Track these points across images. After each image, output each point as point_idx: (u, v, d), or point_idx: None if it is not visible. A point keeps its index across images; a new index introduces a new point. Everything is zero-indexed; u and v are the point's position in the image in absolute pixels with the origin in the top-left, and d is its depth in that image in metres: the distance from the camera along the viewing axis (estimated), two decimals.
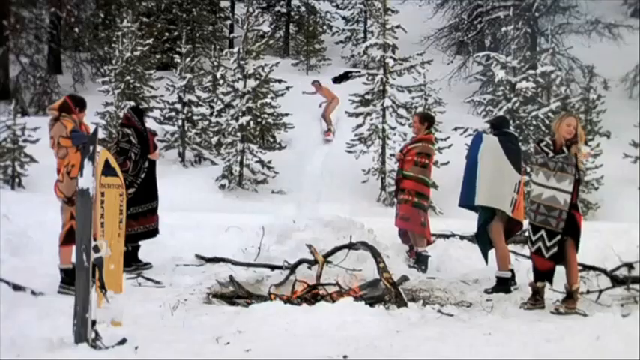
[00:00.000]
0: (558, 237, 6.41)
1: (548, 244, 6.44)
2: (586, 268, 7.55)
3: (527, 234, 6.89)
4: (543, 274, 6.54)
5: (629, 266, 7.47)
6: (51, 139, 6.85)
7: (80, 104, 7.07)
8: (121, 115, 19.06)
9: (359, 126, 20.08)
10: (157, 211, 8.42)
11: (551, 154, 6.52)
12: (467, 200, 7.70)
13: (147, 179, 8.28)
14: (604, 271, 7.37)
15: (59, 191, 6.74)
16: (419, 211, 8.85)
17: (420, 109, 20.30)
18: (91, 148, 4.74)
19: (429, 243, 8.97)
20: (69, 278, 6.39)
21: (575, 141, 6.53)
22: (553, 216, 6.39)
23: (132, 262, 7.84)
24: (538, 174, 6.55)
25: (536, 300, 6.54)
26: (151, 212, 8.30)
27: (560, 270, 6.58)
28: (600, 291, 6.89)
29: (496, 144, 7.63)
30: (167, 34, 26.48)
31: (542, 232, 6.44)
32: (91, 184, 4.57)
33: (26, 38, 25.16)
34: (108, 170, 5.12)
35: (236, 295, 6.71)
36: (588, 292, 6.89)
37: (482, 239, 7.66)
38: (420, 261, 8.64)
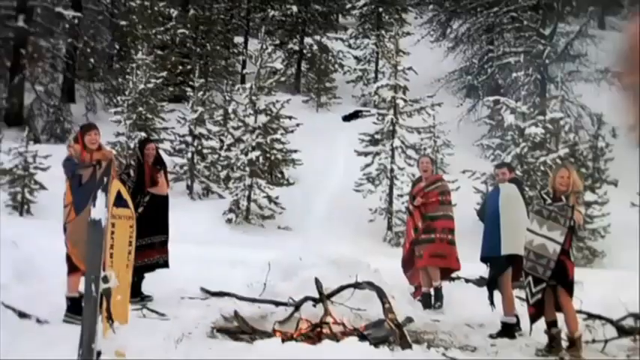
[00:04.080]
0: (543, 285, 6.47)
1: (533, 290, 6.54)
2: (592, 317, 7.51)
3: None
4: (530, 320, 6.69)
5: (636, 317, 7.42)
6: None
7: (83, 129, 7.02)
8: (132, 145, 19.25)
9: (367, 165, 20.18)
10: (157, 246, 8.32)
11: (548, 201, 6.62)
12: (491, 252, 7.58)
13: (146, 213, 8.13)
14: (610, 321, 7.32)
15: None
16: (453, 247, 9.02)
17: (428, 151, 20.41)
18: (105, 179, 4.80)
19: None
20: (74, 307, 6.39)
21: (574, 191, 6.57)
22: (541, 264, 6.47)
23: (136, 294, 7.82)
24: (533, 221, 6.66)
25: (551, 347, 6.51)
26: (150, 246, 8.24)
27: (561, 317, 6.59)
28: (606, 341, 6.84)
29: (516, 191, 7.70)
30: (180, 67, 26.84)
31: (530, 278, 6.55)
32: (104, 215, 4.63)
33: (42, 67, 25.52)
34: (120, 201, 5.17)
35: (240, 330, 6.69)
36: (594, 341, 6.84)
37: (493, 287, 7.65)
38: (439, 297, 8.78)
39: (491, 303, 7.60)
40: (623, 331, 7.11)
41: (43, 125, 24.75)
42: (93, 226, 4.62)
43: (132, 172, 8.30)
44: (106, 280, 4.60)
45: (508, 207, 7.55)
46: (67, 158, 6.76)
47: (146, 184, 8.25)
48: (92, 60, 26.48)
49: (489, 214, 7.74)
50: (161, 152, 20.62)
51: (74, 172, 6.63)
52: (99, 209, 4.64)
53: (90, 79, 26.98)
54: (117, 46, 27.26)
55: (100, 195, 4.70)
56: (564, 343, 6.50)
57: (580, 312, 7.62)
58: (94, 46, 26.57)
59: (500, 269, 7.55)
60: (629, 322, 7.34)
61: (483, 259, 7.87)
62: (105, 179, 4.83)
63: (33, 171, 18.61)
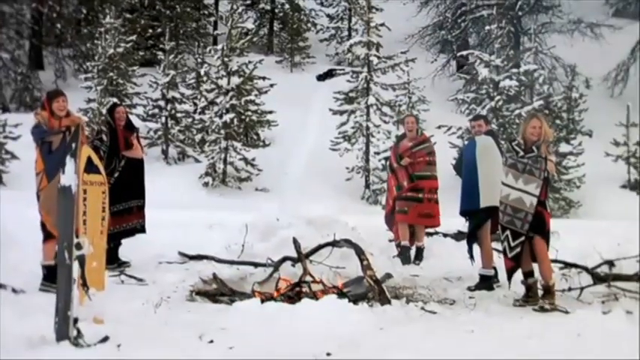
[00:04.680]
0: (522, 238, 6.48)
1: (512, 244, 6.53)
2: (568, 265, 7.60)
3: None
4: (508, 273, 6.68)
5: (610, 264, 7.51)
6: None
7: (50, 95, 6.91)
8: (104, 111, 18.99)
9: (343, 124, 20.12)
10: (134, 211, 8.27)
11: (521, 153, 6.58)
12: (470, 205, 7.58)
13: (122, 178, 8.10)
14: (585, 269, 7.41)
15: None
16: (437, 206, 9.23)
17: (404, 108, 20.39)
18: (73, 144, 4.70)
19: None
20: (50, 275, 6.33)
21: (545, 141, 6.56)
22: (518, 217, 6.47)
23: (114, 260, 7.78)
24: (507, 174, 6.62)
25: (528, 297, 6.57)
26: (127, 211, 8.19)
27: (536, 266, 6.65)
28: (582, 288, 6.93)
29: (492, 143, 7.67)
30: (150, 30, 26.35)
31: (508, 232, 6.55)
32: (73, 181, 4.54)
33: (7, 34, 24.89)
34: (91, 167, 5.06)
35: (219, 292, 6.69)
36: (570, 289, 6.93)
37: (473, 240, 7.68)
38: (420, 256, 8.97)
39: (471, 257, 7.65)
40: (597, 279, 7.19)
41: (12, 93, 24.27)
42: (63, 192, 4.53)
43: (104, 138, 8.17)
44: (79, 247, 4.53)
45: (485, 159, 7.54)
46: (35, 125, 6.68)
47: (120, 147, 8.16)
48: (59, 25, 25.87)
49: (467, 167, 7.73)
50: (134, 117, 20.38)
51: (43, 138, 6.56)
52: (68, 175, 4.55)
53: (58, 45, 26.41)
54: (84, 11, 26.60)
55: (69, 161, 4.60)
56: (539, 292, 6.57)
57: (556, 261, 7.72)
58: (59, 10, 25.91)
59: (480, 222, 7.58)
60: (604, 270, 7.44)
61: (463, 213, 7.88)
62: (73, 145, 4.72)
63: (3, 140, 18.31)
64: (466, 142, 8.64)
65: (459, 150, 17.70)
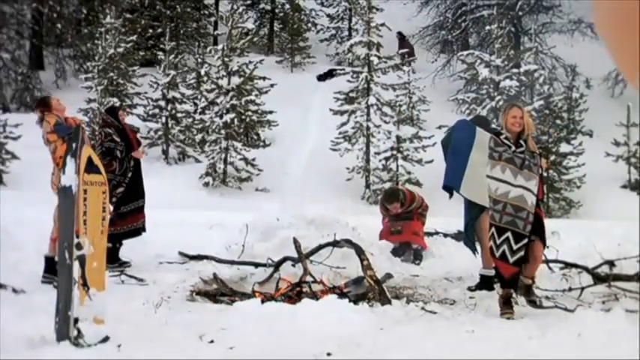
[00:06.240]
0: (525, 240, 5.99)
1: (515, 247, 5.96)
2: (568, 265, 7.61)
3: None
4: (508, 282, 6.04)
5: (611, 264, 7.51)
6: (43, 139, 7.12)
7: (44, 102, 7.38)
8: (103, 111, 18.98)
9: (343, 124, 20.08)
10: (144, 210, 8.38)
11: (513, 148, 6.13)
12: (451, 182, 7.43)
13: (133, 178, 8.21)
14: (586, 269, 7.41)
15: (54, 184, 6.86)
16: (423, 226, 9.52)
17: (404, 108, 20.40)
18: (74, 145, 4.70)
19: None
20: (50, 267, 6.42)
21: (528, 134, 6.18)
22: (520, 217, 5.97)
23: (115, 260, 7.80)
24: (504, 170, 6.06)
25: (510, 308, 6.09)
26: (137, 210, 8.27)
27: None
28: (582, 288, 6.93)
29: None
30: (151, 30, 26.32)
31: (509, 234, 5.98)
32: (74, 181, 4.54)
33: (7, 34, 24.88)
34: (91, 167, 5.06)
35: (220, 292, 6.70)
36: (570, 289, 6.93)
37: (470, 235, 7.63)
38: (419, 257, 9.12)
39: (473, 250, 7.55)
40: (598, 279, 7.20)
41: (12, 93, 24.25)
42: (63, 192, 4.54)
43: (116, 139, 8.19)
44: (79, 247, 4.54)
45: (480, 151, 7.30)
46: (56, 123, 6.92)
47: (134, 147, 8.23)
48: (59, 25, 25.84)
49: (461, 147, 7.40)
50: (135, 117, 20.34)
51: (70, 134, 6.75)
52: (69, 175, 4.56)
53: (58, 45, 26.37)
54: (84, 11, 26.58)
55: (70, 161, 4.61)
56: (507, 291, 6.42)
57: (556, 261, 7.73)
58: (60, 10, 25.88)
59: (474, 216, 7.50)
60: (604, 270, 7.44)
61: (445, 187, 7.59)
62: (74, 145, 4.73)
63: (3, 140, 18.27)
64: (462, 120, 8.38)
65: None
